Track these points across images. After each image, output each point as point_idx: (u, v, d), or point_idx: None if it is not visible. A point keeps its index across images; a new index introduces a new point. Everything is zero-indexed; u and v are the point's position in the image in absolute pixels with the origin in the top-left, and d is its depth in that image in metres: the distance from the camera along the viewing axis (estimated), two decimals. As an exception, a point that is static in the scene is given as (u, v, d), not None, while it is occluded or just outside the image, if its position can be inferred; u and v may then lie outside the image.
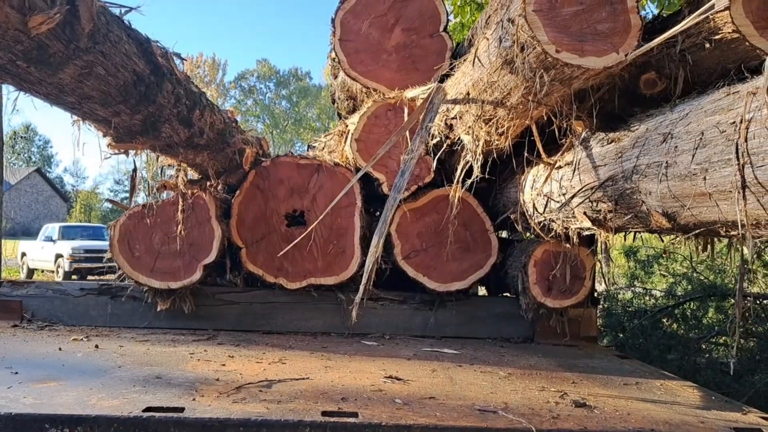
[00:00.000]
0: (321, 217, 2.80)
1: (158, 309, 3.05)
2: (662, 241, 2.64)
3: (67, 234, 23.87)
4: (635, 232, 2.39)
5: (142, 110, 1.82)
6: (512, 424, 1.75)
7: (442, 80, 3.17)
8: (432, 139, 2.82)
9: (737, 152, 1.41)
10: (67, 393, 1.85)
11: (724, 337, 5.02)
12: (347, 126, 3.34)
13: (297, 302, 3.23)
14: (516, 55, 1.90)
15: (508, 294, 3.50)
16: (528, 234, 3.24)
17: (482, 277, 3.33)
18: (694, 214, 1.68)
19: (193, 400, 1.83)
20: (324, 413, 1.74)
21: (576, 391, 2.19)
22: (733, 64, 1.80)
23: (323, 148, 3.53)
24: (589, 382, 2.36)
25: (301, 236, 2.89)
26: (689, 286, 5.38)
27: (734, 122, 1.44)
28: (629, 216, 2.02)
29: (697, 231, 1.75)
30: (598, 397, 2.14)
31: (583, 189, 2.18)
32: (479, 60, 2.19)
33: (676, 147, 1.68)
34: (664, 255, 5.37)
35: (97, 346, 2.58)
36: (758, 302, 4.39)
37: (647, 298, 6.00)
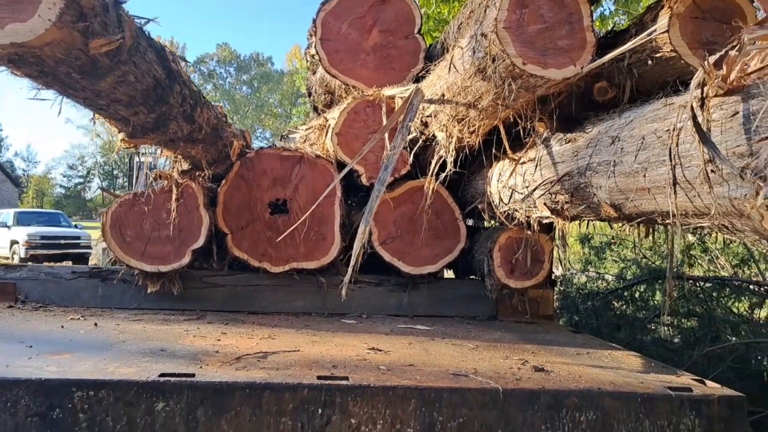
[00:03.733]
0: (308, 213, 3.02)
1: (149, 291, 3.23)
2: (611, 227, 2.97)
3: (22, 220, 23.37)
4: (588, 221, 2.70)
5: (157, 110, 2.02)
6: (482, 384, 2.03)
7: (417, 80, 3.42)
8: (410, 134, 3.07)
9: (670, 155, 1.71)
10: (83, 363, 2.04)
11: (668, 317, 5.46)
12: (327, 120, 3.56)
13: (280, 285, 3.45)
14: (488, 65, 2.17)
15: (474, 277, 3.80)
16: (493, 222, 3.53)
17: (451, 262, 3.62)
18: (636, 205, 1.98)
19: (200, 368, 2.05)
20: (319, 377, 1.98)
21: (535, 359, 2.49)
22: (671, 78, 2.11)
23: (304, 141, 3.75)
24: (547, 352, 2.67)
25: (289, 230, 3.11)
26: (638, 271, 5.82)
27: (668, 130, 1.74)
28: (583, 206, 2.32)
29: (638, 219, 2.07)
30: (554, 363, 2.44)
31: (544, 182, 2.48)
32: (455, 66, 2.45)
33: (622, 148, 1.98)
34: (613, 241, 5.78)
35: (96, 324, 2.76)
36: (699, 284, 4.82)
37: (600, 282, 6.44)
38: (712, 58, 1.43)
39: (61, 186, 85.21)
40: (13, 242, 21.68)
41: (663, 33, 1.99)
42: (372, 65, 3.71)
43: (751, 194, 1.38)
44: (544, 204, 2.55)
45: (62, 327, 2.67)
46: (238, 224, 3.39)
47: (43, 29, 1.32)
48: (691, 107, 1.45)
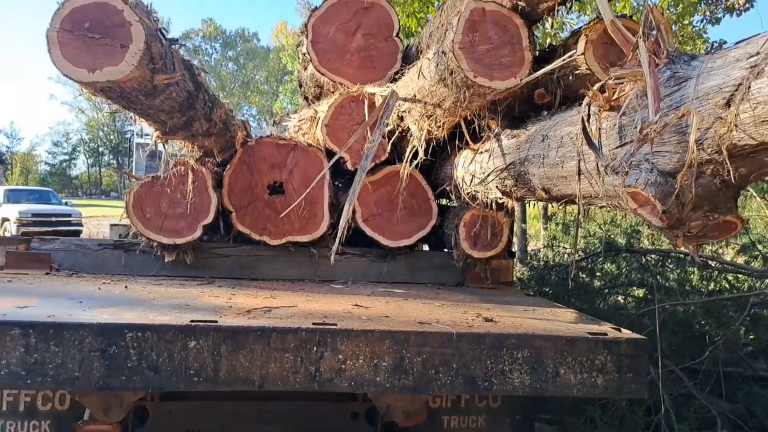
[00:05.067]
0: (303, 195, 3.57)
1: (166, 260, 3.77)
2: (555, 207, 3.54)
3: (13, 197, 23.55)
4: (530, 202, 3.28)
5: (187, 114, 2.54)
6: (441, 329, 2.60)
7: (395, 79, 3.96)
8: (387, 128, 3.61)
9: (578, 152, 2.28)
10: (128, 313, 2.57)
11: (621, 289, 6.11)
12: (317, 113, 4.10)
13: (277, 256, 4.01)
14: (447, 76, 2.72)
15: (444, 249, 4.38)
16: (459, 201, 4.11)
17: (424, 236, 4.20)
18: (560, 189, 2.56)
19: (220, 317, 2.58)
20: (314, 323, 2.53)
21: (488, 314, 3.06)
22: (589, 89, 2.66)
23: (297, 131, 4.28)
24: (499, 309, 3.25)
25: (289, 209, 3.66)
26: (598, 245, 6.45)
27: (577, 132, 2.31)
28: (524, 189, 2.89)
29: (563, 200, 2.64)
30: (503, 316, 3.01)
31: (495, 170, 3.04)
32: (423, 74, 2.99)
33: (548, 145, 2.55)
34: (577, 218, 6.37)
35: (126, 287, 3.30)
36: (645, 257, 5.45)
37: (566, 256, 7.08)
38: (597, 85, 1.99)
39: (46, 163, 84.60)
40: (5, 220, 21.94)
41: (580, 55, 2.55)
42: (356, 64, 4.24)
43: (621, 183, 1.95)
44: (496, 187, 3.12)
45: (99, 288, 3.21)
46: (241, 203, 3.94)
47: (129, 70, 1.84)
48: (582, 119, 2.01)
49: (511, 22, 2.68)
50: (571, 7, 2.76)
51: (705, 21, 11.55)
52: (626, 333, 2.83)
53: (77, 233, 21.30)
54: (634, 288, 5.84)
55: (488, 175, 3.11)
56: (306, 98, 5.18)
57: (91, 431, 2.91)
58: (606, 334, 2.74)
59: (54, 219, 22.27)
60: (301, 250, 4.02)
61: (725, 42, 11.63)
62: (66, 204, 25.97)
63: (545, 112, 2.88)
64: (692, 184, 1.67)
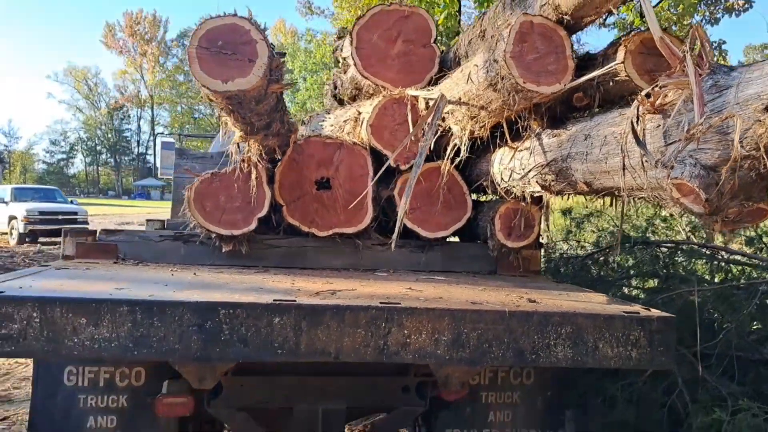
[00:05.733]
0: (363, 194, 3.86)
1: (223, 250, 4.07)
2: (585, 200, 3.86)
3: (20, 196, 23.84)
4: (569, 196, 3.59)
5: (271, 116, 2.85)
6: (493, 307, 2.91)
7: (435, 82, 4.27)
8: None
9: (622, 150, 2.58)
10: (215, 294, 2.87)
11: (634, 280, 6.43)
12: (360, 114, 4.40)
13: (324, 246, 4.31)
14: (498, 81, 3.03)
15: (478, 241, 4.69)
16: (494, 196, 4.42)
17: (460, 228, 4.51)
18: (601, 183, 2.87)
19: (295, 298, 2.89)
20: (380, 302, 2.82)
21: (528, 296, 3.39)
22: (627, 93, 2.98)
23: (342, 131, 4.59)
24: (537, 293, 3.55)
25: (351, 205, 3.96)
26: (611, 238, 6.77)
27: (621, 132, 2.62)
28: (565, 184, 3.20)
29: (603, 193, 2.96)
30: (543, 298, 3.33)
31: (536, 166, 3.35)
32: (471, 79, 3.30)
33: (591, 143, 2.86)
34: (590, 214, 6.71)
35: (195, 274, 3.59)
36: (658, 248, 5.77)
37: (579, 249, 7.40)
38: (644, 91, 2.31)
39: (43, 162, 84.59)
40: (12, 218, 22.22)
41: (620, 63, 2.87)
42: (396, 69, 4.56)
43: (665, 176, 2.27)
44: (536, 182, 3.43)
45: (172, 275, 3.51)
46: (291, 198, 4.23)
47: (255, 81, 2.15)
48: (631, 121, 2.32)
49: (556, 34, 2.99)
50: (606, 20, 3.07)
51: (704, 21, 11.86)
52: (656, 312, 3.14)
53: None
54: (647, 278, 6.15)
55: (529, 171, 3.42)
56: (341, 100, 5.48)
57: (169, 403, 3.22)
58: (639, 313, 3.05)
59: (60, 217, 22.57)
60: (346, 242, 4.32)
61: (724, 42, 11.98)
62: (71, 202, 26.22)
63: (584, 114, 3.19)
64: (732, 177, 1.98)
